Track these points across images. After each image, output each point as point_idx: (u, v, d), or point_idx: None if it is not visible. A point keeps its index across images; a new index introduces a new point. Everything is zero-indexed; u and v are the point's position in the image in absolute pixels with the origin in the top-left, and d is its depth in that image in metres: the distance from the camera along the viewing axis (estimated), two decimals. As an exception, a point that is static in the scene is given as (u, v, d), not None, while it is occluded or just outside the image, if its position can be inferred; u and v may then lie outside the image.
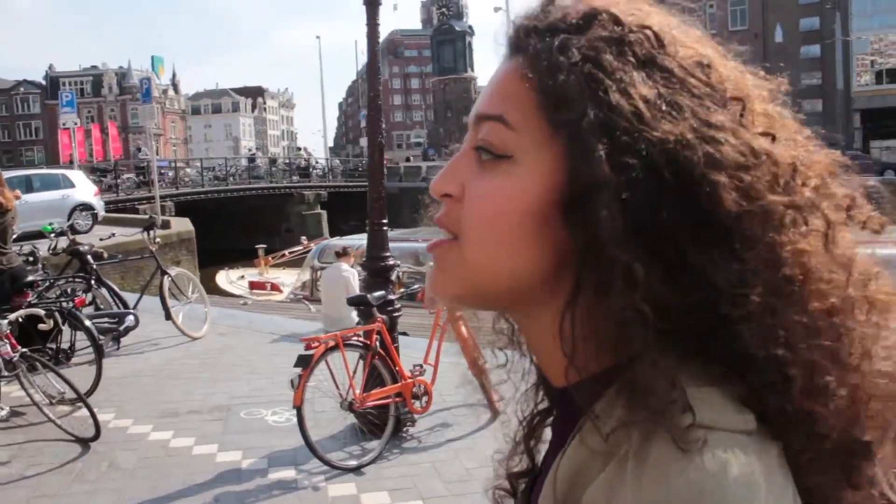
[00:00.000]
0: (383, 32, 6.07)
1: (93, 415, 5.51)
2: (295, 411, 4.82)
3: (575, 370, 0.62)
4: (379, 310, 5.50)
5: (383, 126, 6.23)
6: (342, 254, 9.33)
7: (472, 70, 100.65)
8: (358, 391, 5.11)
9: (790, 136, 0.63)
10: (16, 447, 5.70)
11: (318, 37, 73.53)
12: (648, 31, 0.62)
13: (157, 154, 42.09)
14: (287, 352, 8.44)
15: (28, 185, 19.18)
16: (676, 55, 0.62)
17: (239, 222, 34.08)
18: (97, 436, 5.57)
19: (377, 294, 5.60)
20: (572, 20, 0.64)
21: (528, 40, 0.65)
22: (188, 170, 35.44)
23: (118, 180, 28.37)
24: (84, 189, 19.40)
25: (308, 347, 4.88)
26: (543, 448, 0.78)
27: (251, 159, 42.65)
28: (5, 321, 5.27)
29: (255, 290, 17.09)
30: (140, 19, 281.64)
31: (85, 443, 5.67)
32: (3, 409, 5.95)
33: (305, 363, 4.80)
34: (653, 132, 0.58)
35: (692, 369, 0.58)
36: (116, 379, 7.20)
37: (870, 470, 0.60)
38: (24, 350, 5.52)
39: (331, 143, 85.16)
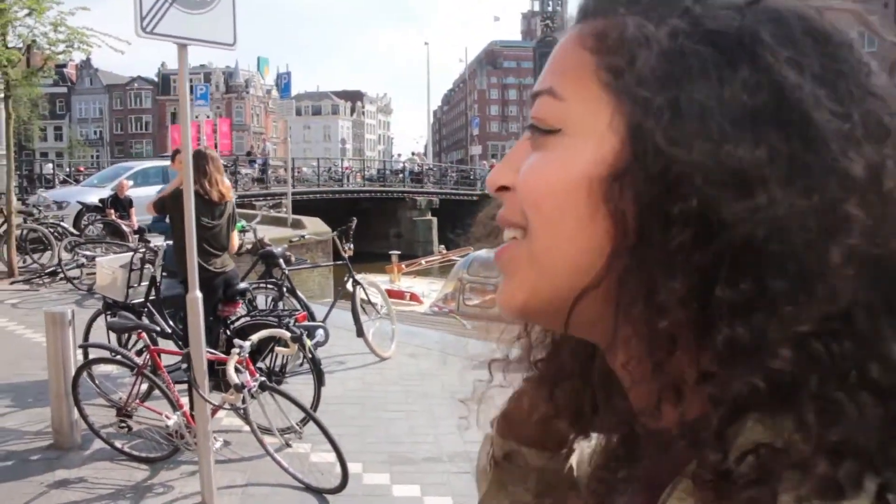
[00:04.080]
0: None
1: (342, 461, 4.48)
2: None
3: (672, 404, 0.51)
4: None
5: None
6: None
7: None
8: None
9: None
10: (238, 491, 4.74)
11: (426, 43, 73.00)
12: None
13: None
14: (499, 384, 7.35)
15: (164, 176, 18.84)
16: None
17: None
18: (342, 486, 4.54)
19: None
20: None
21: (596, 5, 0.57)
22: (304, 169, 35.09)
23: (237, 175, 28.02)
24: (218, 184, 18.94)
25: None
26: None
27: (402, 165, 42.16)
28: (247, 343, 4.28)
29: (391, 300, 16.09)
30: (246, 21, 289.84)
31: (320, 493, 4.67)
32: (217, 440, 5.00)
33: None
34: None
35: None
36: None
37: None
38: (264, 379, 4.54)
39: (421, 150, 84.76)
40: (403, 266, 18.64)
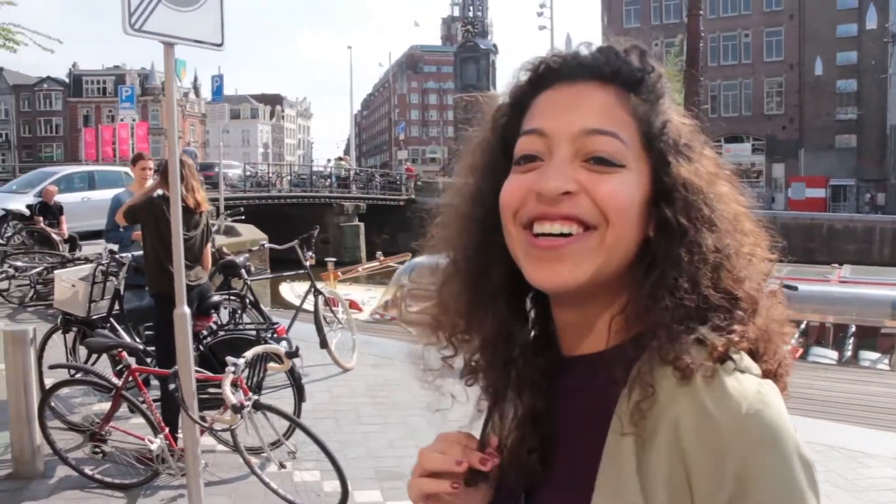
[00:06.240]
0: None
1: (342, 478, 4.30)
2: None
3: (628, 328, 0.87)
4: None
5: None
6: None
7: (495, 88, 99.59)
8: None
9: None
10: (226, 517, 4.51)
11: (349, 47, 72.33)
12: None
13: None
14: (470, 390, 7.24)
15: (90, 182, 18.07)
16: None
17: (275, 231, 32.78)
18: (340, 508, 4.37)
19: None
20: (656, 78, 0.91)
21: (632, 79, 0.90)
22: (229, 174, 34.24)
23: (159, 181, 27.06)
24: (146, 189, 18.24)
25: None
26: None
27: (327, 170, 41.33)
28: (242, 361, 4.07)
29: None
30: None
31: (313, 515, 4.48)
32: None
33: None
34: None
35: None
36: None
37: None
38: (257, 397, 4.33)
39: (341, 154, 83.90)
40: (340, 273, 18.31)
